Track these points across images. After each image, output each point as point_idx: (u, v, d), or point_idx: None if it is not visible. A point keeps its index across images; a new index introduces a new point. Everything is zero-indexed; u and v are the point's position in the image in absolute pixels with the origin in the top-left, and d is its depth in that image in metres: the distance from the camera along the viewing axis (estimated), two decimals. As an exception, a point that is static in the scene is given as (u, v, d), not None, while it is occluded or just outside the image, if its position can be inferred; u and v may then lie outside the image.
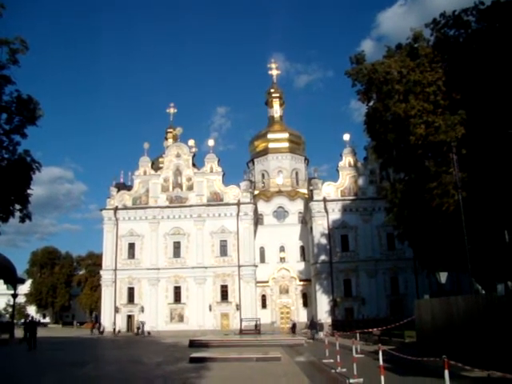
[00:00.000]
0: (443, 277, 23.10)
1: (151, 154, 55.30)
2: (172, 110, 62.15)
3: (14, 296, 37.73)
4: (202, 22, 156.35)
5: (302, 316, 51.82)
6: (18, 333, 34.17)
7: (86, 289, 78.62)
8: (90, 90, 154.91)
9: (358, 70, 25.13)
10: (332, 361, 17.12)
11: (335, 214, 48.89)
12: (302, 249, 54.59)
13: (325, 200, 48.90)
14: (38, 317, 76.07)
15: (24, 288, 74.11)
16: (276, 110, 68.30)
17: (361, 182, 49.80)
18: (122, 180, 54.46)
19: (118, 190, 52.39)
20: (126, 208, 51.58)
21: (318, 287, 47.86)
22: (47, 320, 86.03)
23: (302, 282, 53.02)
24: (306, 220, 54.30)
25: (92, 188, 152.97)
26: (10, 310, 59.62)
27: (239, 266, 49.03)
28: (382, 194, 41.13)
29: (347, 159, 50.38)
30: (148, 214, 51.13)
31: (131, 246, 50.94)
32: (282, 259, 54.06)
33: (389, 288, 47.12)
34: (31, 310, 79.50)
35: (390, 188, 29.94)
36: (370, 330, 27.13)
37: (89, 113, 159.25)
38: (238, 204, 50.31)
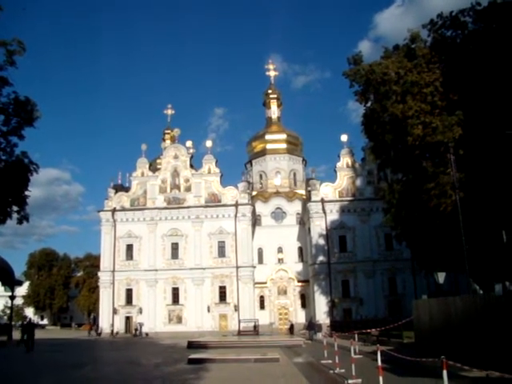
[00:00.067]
0: (441, 277, 23.14)
1: (149, 156, 55.37)
2: (170, 111, 62.25)
3: (12, 298, 37.62)
4: (200, 23, 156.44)
5: (300, 317, 51.78)
6: (16, 335, 34.10)
7: (83, 290, 78.53)
8: (87, 91, 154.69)
9: (356, 70, 25.20)
10: (330, 361, 17.12)
11: (333, 215, 48.91)
12: (300, 250, 54.58)
13: (323, 201, 48.93)
14: (36, 319, 76.12)
15: (22, 290, 74.02)
16: (274, 111, 68.25)
17: (358, 182, 49.85)
18: (119, 181, 54.49)
19: (116, 192, 52.32)
20: (123, 209, 51.51)
21: (316, 288, 47.85)
22: (45, 322, 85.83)
23: (300, 283, 53.00)
24: (303, 221, 54.30)
25: (90, 189, 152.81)
26: (8, 312, 59.46)
27: (237, 267, 49.01)
28: (379, 195, 41.14)
29: (345, 160, 50.41)
30: (146, 215, 51.09)
31: (129, 248, 50.88)
32: (280, 260, 54.04)
33: (387, 288, 47.16)
34: (29, 312, 79.25)
35: (388, 189, 29.96)
36: (369, 330, 27.12)
37: (86, 114, 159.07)
38: (236, 205, 50.30)
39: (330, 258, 47.82)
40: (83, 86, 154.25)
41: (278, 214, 56.64)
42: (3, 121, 19.88)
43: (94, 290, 68.25)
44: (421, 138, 21.73)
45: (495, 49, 19.94)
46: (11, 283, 37.55)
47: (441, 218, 21.66)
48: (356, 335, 24.77)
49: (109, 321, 49.02)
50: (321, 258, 48.04)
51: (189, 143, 53.85)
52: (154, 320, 48.41)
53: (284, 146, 64.52)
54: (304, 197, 55.73)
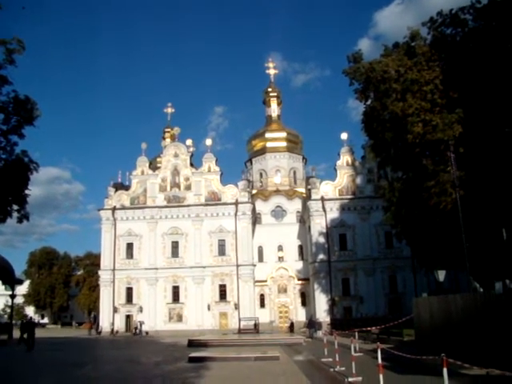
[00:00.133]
0: (441, 275, 23.18)
1: (149, 154, 55.43)
2: (170, 110, 62.15)
3: (12, 297, 37.63)
4: (200, 22, 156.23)
5: (300, 315, 51.86)
6: (17, 333, 34.11)
7: (84, 289, 78.52)
8: (87, 90, 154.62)
9: (356, 68, 25.16)
10: (331, 359, 17.12)
11: (333, 213, 48.92)
12: (301, 248, 54.63)
13: (323, 199, 48.93)
14: (36, 317, 76.17)
15: (22, 289, 73.93)
16: (274, 109, 68.26)
17: (359, 180, 49.85)
18: (119, 180, 54.46)
19: (116, 190, 52.32)
20: (123, 208, 51.53)
21: (316, 286, 47.89)
22: (46, 320, 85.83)
23: (300, 281, 53.07)
24: (304, 219, 54.33)
25: (90, 188, 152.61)
26: (9, 310, 59.45)
27: (237, 266, 49.03)
28: (379, 193, 41.12)
29: (345, 158, 50.40)
30: (146, 213, 51.10)
31: (129, 246, 50.90)
32: (281, 258, 54.10)
33: (387, 286, 47.20)
34: (29, 311, 79.27)
35: (388, 187, 29.93)
36: (369, 328, 27.16)
37: (86, 113, 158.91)
38: (236, 203, 50.30)
39: (330, 256, 47.85)
40: (83, 85, 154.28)
41: (278, 213, 56.68)
42: (3, 119, 19.89)
43: (95, 288, 68.25)
44: (421, 135, 21.70)
45: (495, 47, 19.91)
46: (11, 282, 37.55)
47: (441, 216, 21.65)
48: (356, 333, 24.79)
49: (109, 319, 49.06)
50: (321, 256, 48.07)
51: (189, 142, 53.88)
52: (154, 318, 48.45)
53: (284, 144, 64.54)
54: (304, 195, 55.74)
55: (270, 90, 68.58)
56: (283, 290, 53.28)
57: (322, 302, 47.10)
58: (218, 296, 49.07)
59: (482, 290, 24.48)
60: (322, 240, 48.32)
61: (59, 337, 44.95)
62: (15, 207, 20.39)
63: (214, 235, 50.19)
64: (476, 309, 14.15)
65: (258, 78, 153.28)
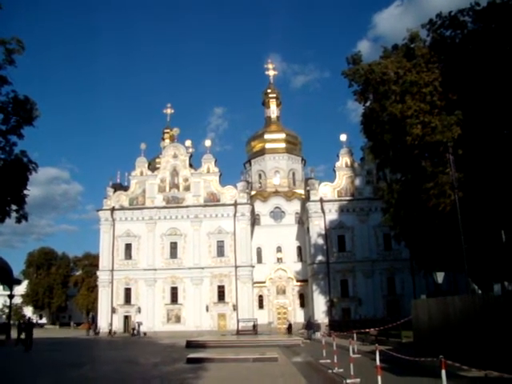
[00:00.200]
0: (440, 277, 23.16)
1: (148, 155, 55.47)
2: (169, 111, 62.29)
3: (11, 297, 37.62)
4: (200, 23, 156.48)
5: (298, 316, 51.81)
6: (15, 334, 34.07)
7: (82, 289, 78.46)
8: (86, 90, 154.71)
9: (355, 70, 25.18)
10: (329, 361, 17.13)
11: (332, 215, 48.92)
12: (299, 249, 54.59)
13: (321, 200, 48.94)
14: (34, 318, 75.98)
15: (20, 289, 73.99)
16: (273, 111, 68.28)
17: (357, 182, 49.86)
18: (118, 180, 54.40)
19: (115, 191, 52.28)
20: (122, 208, 51.49)
21: (314, 287, 47.86)
22: (44, 321, 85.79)
23: (298, 283, 53.03)
24: (302, 220, 54.32)
25: (88, 188, 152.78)
26: (7, 311, 59.36)
27: (236, 267, 49.00)
28: (378, 195, 41.13)
29: (344, 160, 50.42)
30: (145, 214, 51.07)
31: (128, 247, 50.85)
32: (279, 260, 54.05)
33: (385, 288, 47.19)
34: (28, 311, 79.20)
35: (387, 188, 29.95)
36: (367, 330, 27.13)
37: (85, 113, 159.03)
38: (235, 204, 50.29)
39: (328, 257, 47.85)
40: (82, 85, 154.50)
41: (277, 214, 56.63)
42: (2, 120, 19.83)
43: (93, 289, 68.21)
44: (420, 137, 21.72)
45: (494, 49, 19.94)
46: (10, 282, 37.55)
47: (440, 218, 21.66)
48: (355, 335, 24.81)
49: (107, 320, 48.97)
50: (320, 258, 48.06)
51: (188, 143, 53.83)
52: (152, 319, 48.39)
53: (283, 145, 64.54)
54: (303, 196, 55.72)
55: (269, 91, 68.61)
56: (282, 292, 53.24)
57: (320, 304, 47.07)
58: (216, 297, 49.02)
59: (480, 291, 24.48)
60: (320, 241, 48.32)
61: (57, 337, 44.89)
62: (14, 207, 20.33)
63: (213, 236, 50.16)
64: (474, 311, 14.15)
65: (257, 79, 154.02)
